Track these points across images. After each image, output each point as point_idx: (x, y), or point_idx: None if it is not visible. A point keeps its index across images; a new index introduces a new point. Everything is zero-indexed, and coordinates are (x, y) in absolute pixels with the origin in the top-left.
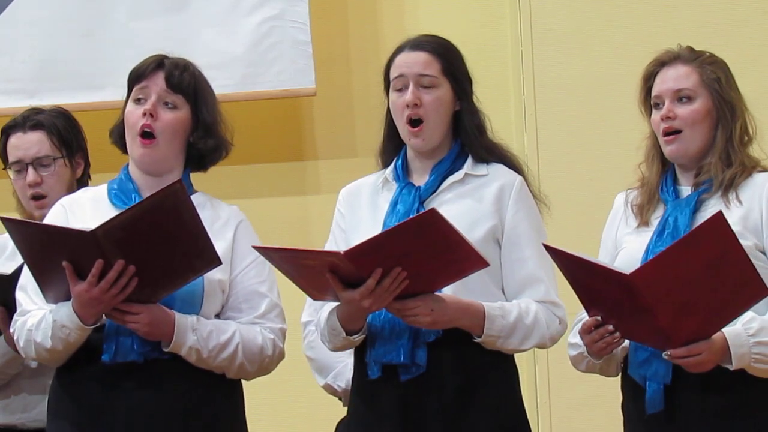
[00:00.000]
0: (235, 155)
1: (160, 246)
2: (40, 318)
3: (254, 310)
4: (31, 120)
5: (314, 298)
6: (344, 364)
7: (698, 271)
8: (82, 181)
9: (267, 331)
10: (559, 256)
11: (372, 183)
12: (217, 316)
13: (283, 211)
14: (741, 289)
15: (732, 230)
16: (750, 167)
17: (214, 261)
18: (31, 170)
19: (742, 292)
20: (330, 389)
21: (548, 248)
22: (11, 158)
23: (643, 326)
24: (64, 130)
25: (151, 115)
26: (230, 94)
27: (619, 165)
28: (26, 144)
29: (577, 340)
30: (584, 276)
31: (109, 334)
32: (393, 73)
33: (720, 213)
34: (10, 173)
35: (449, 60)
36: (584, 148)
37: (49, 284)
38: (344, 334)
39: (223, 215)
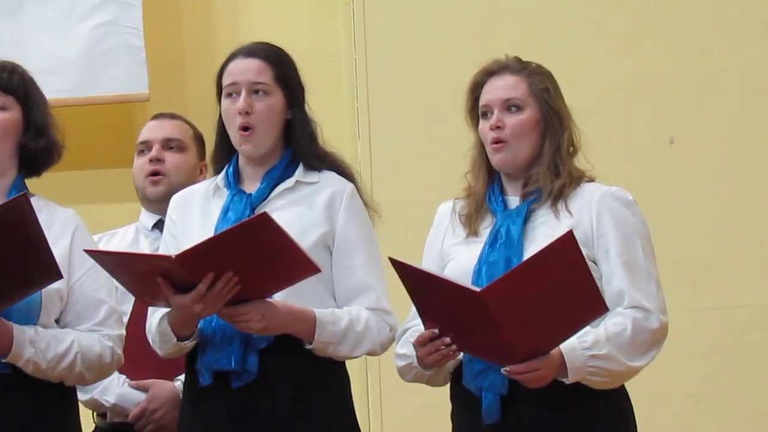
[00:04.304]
0: (69, 161)
1: (2, 260)
2: None
3: (93, 317)
4: None
5: (147, 305)
6: (110, 378)
7: (544, 289)
8: None
9: (105, 339)
10: (403, 270)
11: (203, 190)
12: (57, 320)
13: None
14: (582, 306)
15: (580, 250)
16: (578, 177)
17: (55, 275)
18: None
19: (582, 310)
20: (96, 404)
21: (393, 261)
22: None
23: (485, 341)
24: None
25: None
26: (64, 99)
27: (454, 173)
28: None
29: (405, 350)
30: (429, 291)
31: None
32: (226, 80)
33: (570, 232)
34: None
35: (282, 68)
36: (418, 156)
37: None
38: (175, 339)
39: (59, 218)
